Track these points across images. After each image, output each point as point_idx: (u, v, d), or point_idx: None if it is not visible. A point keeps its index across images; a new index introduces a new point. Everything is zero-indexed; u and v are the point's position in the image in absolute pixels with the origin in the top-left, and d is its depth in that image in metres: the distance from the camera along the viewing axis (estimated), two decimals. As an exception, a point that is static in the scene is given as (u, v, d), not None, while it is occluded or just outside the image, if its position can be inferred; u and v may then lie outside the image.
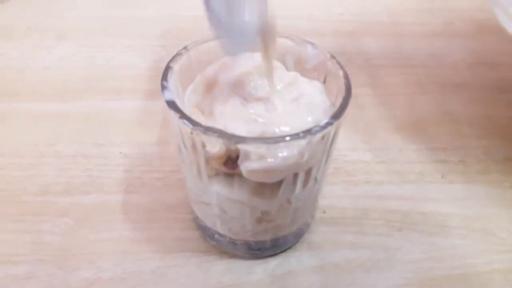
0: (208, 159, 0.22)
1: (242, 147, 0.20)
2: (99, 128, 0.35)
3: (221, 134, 0.20)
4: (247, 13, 0.21)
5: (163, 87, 0.22)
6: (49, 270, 0.26)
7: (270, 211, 0.24)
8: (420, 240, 0.29)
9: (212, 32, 0.21)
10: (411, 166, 0.33)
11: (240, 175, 0.22)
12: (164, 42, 0.44)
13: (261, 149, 0.20)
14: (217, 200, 0.23)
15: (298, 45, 0.26)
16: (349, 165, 0.33)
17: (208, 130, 0.20)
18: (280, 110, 0.23)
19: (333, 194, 0.31)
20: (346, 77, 0.23)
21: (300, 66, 0.26)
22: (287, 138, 0.20)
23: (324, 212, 0.30)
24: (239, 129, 0.21)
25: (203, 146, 0.21)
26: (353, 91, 0.23)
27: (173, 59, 0.24)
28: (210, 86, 0.24)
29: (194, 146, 0.21)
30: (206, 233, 0.27)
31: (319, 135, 0.21)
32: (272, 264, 0.27)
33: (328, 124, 0.21)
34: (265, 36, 0.22)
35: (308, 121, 0.22)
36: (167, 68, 0.23)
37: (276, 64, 0.26)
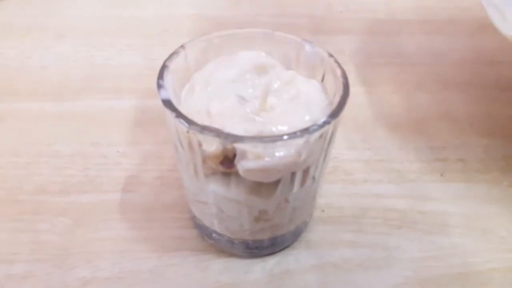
0: (204, 158, 0.21)
1: (239, 146, 0.20)
2: (97, 127, 0.35)
3: (217, 133, 0.20)
4: None
5: (159, 86, 0.22)
6: (46, 269, 0.26)
7: (267, 210, 0.23)
8: (420, 239, 0.28)
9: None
10: (410, 164, 0.33)
11: (237, 174, 0.22)
12: (163, 42, 0.44)
13: (258, 148, 0.20)
14: (214, 199, 0.23)
15: (296, 44, 0.26)
16: (348, 164, 0.33)
17: (204, 129, 0.20)
18: (277, 109, 0.23)
19: (331, 193, 0.31)
20: (344, 75, 0.23)
21: (298, 65, 0.26)
22: (285, 137, 0.20)
23: (323, 211, 0.30)
24: (237, 128, 0.21)
25: (200, 145, 0.21)
26: (352, 89, 0.23)
27: (169, 57, 0.24)
28: (206, 85, 0.24)
29: (190, 145, 0.21)
30: (203, 232, 0.27)
31: (316, 134, 0.21)
32: (270, 263, 0.27)
33: (326, 123, 0.21)
34: None
35: (306, 120, 0.22)
36: (163, 67, 0.23)
37: (274, 62, 0.26)
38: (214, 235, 0.26)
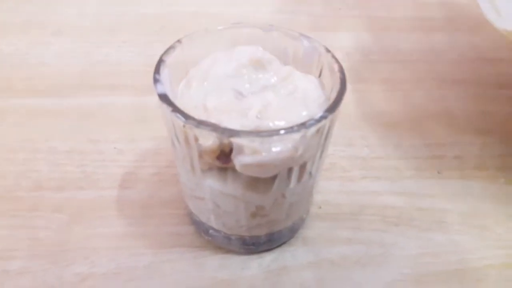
0: (201, 153, 0.21)
1: (235, 140, 0.20)
2: (95, 124, 0.35)
3: (214, 127, 0.20)
4: None
5: (156, 80, 0.22)
6: (43, 265, 0.26)
7: (264, 205, 0.23)
8: (417, 236, 0.28)
9: None
10: (408, 161, 0.33)
11: (233, 169, 0.22)
12: (161, 38, 0.43)
13: (255, 142, 0.20)
14: (211, 194, 0.23)
15: (294, 39, 0.26)
16: (345, 160, 0.33)
17: (201, 123, 0.20)
18: (275, 104, 0.23)
19: (328, 190, 0.31)
20: (341, 70, 0.23)
21: (295, 60, 0.26)
22: (281, 132, 0.20)
23: (320, 207, 0.30)
24: (233, 123, 0.21)
25: (196, 140, 0.21)
26: (350, 86, 0.23)
27: (166, 52, 0.24)
28: (203, 80, 0.24)
29: (187, 140, 0.21)
30: (200, 228, 0.27)
31: (313, 129, 0.21)
32: (267, 259, 0.27)
33: (323, 117, 0.21)
34: None
35: (303, 115, 0.22)
36: (160, 61, 0.23)
37: (271, 58, 0.25)
38: (211, 231, 0.26)
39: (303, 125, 0.20)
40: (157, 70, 0.22)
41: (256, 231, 0.26)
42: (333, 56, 0.24)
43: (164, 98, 0.21)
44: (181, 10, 0.48)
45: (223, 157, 0.21)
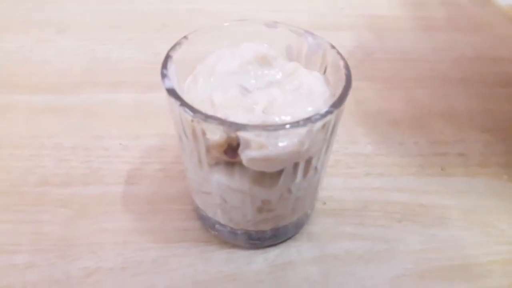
0: (208, 148, 0.22)
1: (242, 134, 0.20)
2: (99, 120, 0.35)
3: (221, 121, 0.20)
4: None
5: (163, 75, 0.22)
6: (49, 260, 0.26)
7: (270, 200, 0.24)
8: (420, 232, 0.29)
9: None
10: (411, 159, 0.33)
11: (240, 164, 0.22)
12: (163, 36, 0.44)
13: (261, 137, 0.20)
14: (218, 189, 0.23)
15: (299, 36, 0.26)
16: (349, 157, 0.33)
17: (208, 117, 0.20)
18: (280, 100, 0.23)
19: (333, 186, 0.31)
20: (347, 67, 0.23)
21: (300, 57, 0.26)
22: (288, 126, 0.20)
23: (324, 203, 0.30)
24: (240, 118, 0.21)
25: (204, 134, 0.21)
26: (354, 84, 0.23)
27: (172, 48, 0.24)
28: (209, 76, 0.24)
29: (194, 134, 0.21)
30: (206, 223, 0.27)
31: (319, 124, 0.21)
32: (272, 254, 0.27)
33: (328, 112, 0.21)
34: None
35: (308, 111, 0.22)
36: (167, 57, 0.23)
37: (276, 54, 0.26)
38: (217, 226, 0.27)
39: (309, 120, 0.20)
40: (164, 65, 0.22)
41: (262, 226, 0.26)
42: (338, 53, 0.24)
43: (172, 92, 0.21)
44: (183, 7, 0.48)
45: (230, 151, 0.21)
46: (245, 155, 0.21)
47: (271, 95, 0.23)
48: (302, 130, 0.20)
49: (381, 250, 0.28)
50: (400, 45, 0.44)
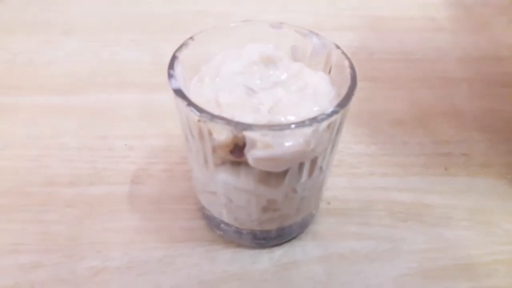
0: (215, 148, 0.22)
1: (248, 134, 0.21)
2: (104, 121, 0.35)
3: (227, 121, 0.20)
4: None
5: (170, 76, 0.22)
6: (56, 259, 0.26)
7: (276, 199, 0.24)
8: (424, 231, 0.29)
9: None
10: (415, 159, 0.33)
11: (246, 163, 0.22)
12: (168, 38, 0.44)
13: (267, 137, 0.20)
14: (224, 189, 0.24)
15: (304, 36, 0.26)
16: (353, 157, 0.33)
17: (215, 117, 0.20)
18: (285, 100, 0.23)
19: (337, 186, 0.31)
20: (352, 66, 0.23)
21: (305, 57, 0.26)
22: (293, 126, 0.20)
23: (329, 203, 0.30)
24: (246, 119, 0.21)
25: (210, 134, 0.21)
26: (357, 84, 0.23)
27: (179, 49, 0.24)
28: (215, 76, 0.24)
29: (201, 134, 0.21)
30: (212, 222, 0.27)
31: (325, 123, 0.21)
32: (277, 253, 0.27)
33: (334, 112, 0.21)
34: None
35: (314, 111, 0.23)
36: (174, 58, 0.23)
37: (281, 55, 0.26)
38: (222, 225, 0.27)
39: (314, 120, 0.21)
40: (171, 66, 0.23)
41: (267, 226, 0.26)
42: (343, 53, 0.24)
43: (179, 92, 0.21)
44: (188, 9, 0.48)
45: (237, 151, 0.22)
46: (251, 155, 0.21)
47: (276, 95, 0.23)
48: (308, 130, 0.21)
49: (385, 249, 0.28)
50: (403, 46, 0.44)
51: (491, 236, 0.29)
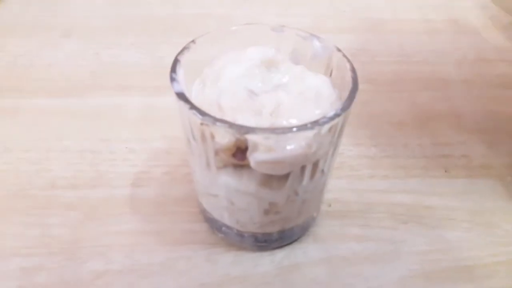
0: (217, 151, 0.22)
1: (251, 137, 0.21)
2: (106, 124, 0.35)
3: (230, 124, 0.20)
4: None
5: (172, 79, 0.22)
6: (59, 262, 0.26)
7: (277, 202, 0.24)
8: (425, 233, 0.29)
9: None
10: (415, 160, 0.33)
11: (248, 166, 0.22)
12: (169, 40, 0.44)
13: (270, 140, 0.21)
14: (226, 191, 0.24)
15: (305, 39, 0.26)
16: (354, 160, 0.33)
17: (217, 120, 0.20)
18: (287, 103, 0.23)
19: (338, 188, 0.31)
20: (353, 69, 0.23)
21: (306, 60, 0.26)
22: (295, 129, 0.20)
23: (330, 205, 0.30)
24: (248, 122, 0.22)
25: (212, 137, 0.21)
26: (358, 87, 0.23)
27: (181, 52, 0.24)
28: (217, 80, 0.24)
29: (203, 137, 0.22)
30: (213, 225, 0.28)
31: (326, 126, 0.21)
32: (279, 256, 0.27)
33: (336, 115, 0.21)
34: None
35: (316, 114, 0.23)
36: (175, 61, 0.23)
37: (283, 58, 0.26)
38: (224, 228, 0.27)
39: (316, 123, 0.21)
40: (173, 69, 0.23)
41: (269, 228, 0.26)
42: (344, 56, 0.24)
43: (181, 96, 0.21)
44: (188, 12, 0.49)
45: (239, 154, 0.22)
46: (253, 158, 0.21)
47: (278, 98, 0.23)
48: (310, 133, 0.21)
49: (386, 251, 0.28)
50: (403, 48, 0.45)
51: (492, 237, 0.29)
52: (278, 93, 0.24)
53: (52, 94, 0.38)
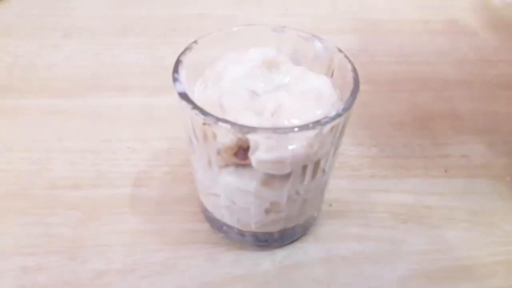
0: (219, 150, 0.22)
1: (252, 137, 0.21)
2: (106, 124, 0.35)
3: (232, 124, 0.20)
4: None
5: (175, 79, 0.22)
6: (59, 262, 0.26)
7: (278, 202, 0.24)
8: (425, 233, 0.29)
9: None
10: (415, 160, 0.34)
11: (250, 166, 0.22)
12: (169, 40, 0.44)
13: (271, 139, 0.21)
14: (227, 191, 0.24)
15: (306, 40, 0.26)
16: (354, 159, 0.33)
17: (219, 120, 0.20)
18: (289, 103, 0.23)
19: (339, 188, 0.31)
20: (354, 70, 0.24)
21: (307, 61, 0.26)
22: (297, 129, 0.20)
23: (330, 205, 0.30)
24: (250, 122, 0.22)
25: (214, 136, 0.21)
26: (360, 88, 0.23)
27: (183, 52, 0.24)
28: (218, 80, 0.25)
29: (205, 137, 0.22)
30: (214, 225, 0.28)
31: (328, 126, 0.21)
32: (280, 255, 0.27)
33: (338, 115, 0.21)
34: None
35: (317, 114, 0.23)
36: (178, 61, 0.23)
37: (284, 58, 0.26)
38: (224, 228, 0.27)
39: (318, 123, 0.21)
40: (175, 69, 0.23)
41: (270, 228, 0.26)
42: (346, 56, 0.24)
43: (184, 96, 0.21)
44: (189, 12, 0.49)
45: (240, 154, 0.22)
46: (255, 158, 0.21)
47: (279, 98, 0.23)
48: (311, 133, 0.21)
49: (387, 251, 0.28)
50: (403, 48, 0.45)
51: (491, 237, 0.29)
52: (280, 94, 0.24)
53: (53, 94, 0.38)
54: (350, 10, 0.50)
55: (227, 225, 0.27)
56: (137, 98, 0.38)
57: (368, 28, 0.47)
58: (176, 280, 0.26)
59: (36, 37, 0.44)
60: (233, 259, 0.27)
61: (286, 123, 0.22)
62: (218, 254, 0.27)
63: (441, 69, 0.42)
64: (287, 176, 0.23)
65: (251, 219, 0.25)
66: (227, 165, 0.23)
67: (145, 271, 0.26)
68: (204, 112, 0.21)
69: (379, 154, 0.34)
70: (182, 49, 0.25)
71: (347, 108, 0.21)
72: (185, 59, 0.24)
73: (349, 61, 0.24)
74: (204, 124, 0.21)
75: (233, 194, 0.24)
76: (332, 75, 0.25)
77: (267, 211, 0.25)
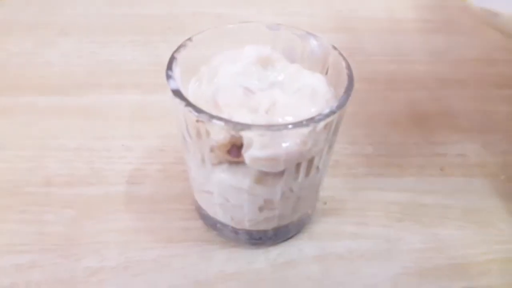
0: (212, 148, 0.22)
1: (246, 134, 0.21)
2: (101, 121, 0.35)
3: (226, 121, 0.20)
4: None
5: (168, 76, 0.22)
6: (53, 259, 0.26)
7: (272, 199, 0.24)
8: (420, 231, 0.29)
9: None
10: (411, 159, 0.34)
11: (243, 163, 0.22)
12: (165, 38, 0.44)
13: (265, 136, 0.21)
14: (220, 188, 0.24)
15: (301, 38, 0.26)
16: (350, 158, 0.33)
17: (213, 117, 0.20)
18: (283, 101, 0.23)
19: (334, 186, 0.31)
20: (349, 67, 0.24)
21: (302, 58, 0.26)
22: (291, 126, 0.20)
23: (325, 203, 0.30)
24: (243, 119, 0.22)
25: (208, 134, 0.21)
26: (354, 85, 0.23)
27: (177, 49, 0.24)
28: (213, 77, 0.24)
29: (199, 134, 0.22)
30: (208, 222, 0.28)
31: (322, 124, 0.21)
32: (274, 253, 0.27)
33: (332, 112, 0.21)
34: None
35: (311, 112, 0.23)
36: (172, 58, 0.23)
37: (279, 56, 0.26)
38: (218, 225, 0.27)
39: (312, 120, 0.21)
40: (169, 67, 0.23)
41: (263, 225, 0.26)
42: (340, 54, 0.24)
43: (177, 93, 0.21)
44: (185, 10, 0.49)
45: (234, 151, 0.22)
46: (248, 155, 0.21)
47: (274, 96, 0.23)
48: (305, 130, 0.21)
49: (382, 249, 0.28)
50: (399, 47, 0.45)
51: (486, 235, 0.29)
52: (274, 91, 0.24)
53: (48, 92, 0.38)
54: (346, 8, 0.50)
55: (221, 223, 0.27)
56: (132, 96, 0.38)
57: (364, 27, 0.47)
58: (170, 278, 0.26)
59: (32, 35, 0.44)
60: (227, 257, 0.27)
61: (280, 120, 0.22)
62: (211, 252, 0.27)
63: (436, 68, 0.42)
64: (280, 174, 0.23)
65: (245, 216, 0.25)
66: (220, 163, 0.23)
67: (139, 269, 0.26)
68: (197, 109, 0.20)
69: (374, 152, 0.34)
70: (181, 43, 0.25)
71: (341, 105, 0.21)
72: (179, 57, 0.24)
73: (344, 58, 0.24)
74: (197, 121, 0.21)
75: (227, 192, 0.24)
76: (326, 73, 0.25)
77: (261, 209, 0.25)
